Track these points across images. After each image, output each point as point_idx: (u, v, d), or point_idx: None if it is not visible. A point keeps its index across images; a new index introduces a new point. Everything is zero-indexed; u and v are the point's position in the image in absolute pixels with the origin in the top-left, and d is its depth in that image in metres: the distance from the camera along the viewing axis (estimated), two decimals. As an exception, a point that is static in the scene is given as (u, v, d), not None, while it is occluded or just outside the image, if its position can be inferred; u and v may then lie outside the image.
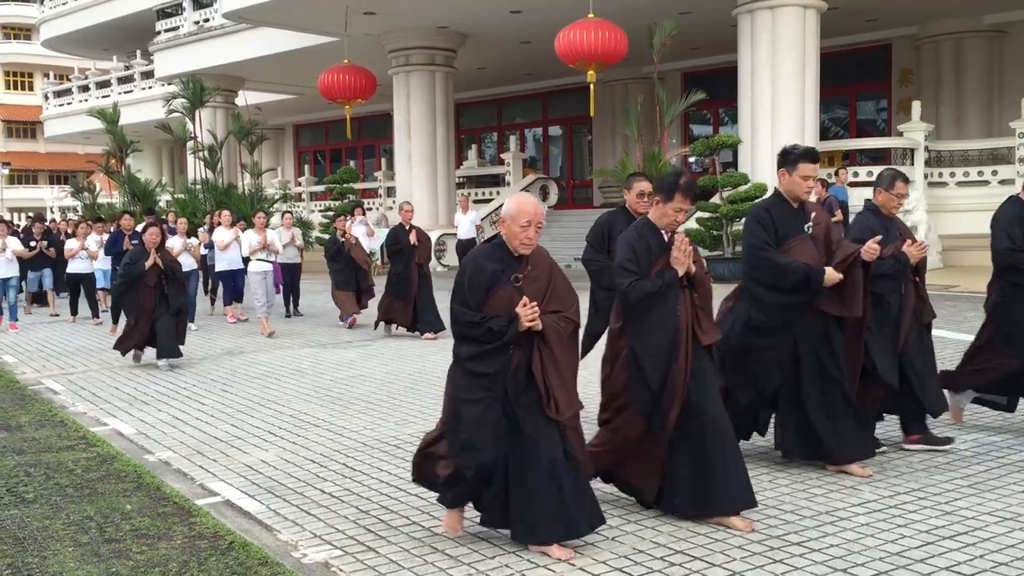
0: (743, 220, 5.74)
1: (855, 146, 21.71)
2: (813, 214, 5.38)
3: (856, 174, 19.94)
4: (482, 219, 23.71)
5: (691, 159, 25.66)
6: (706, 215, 18.17)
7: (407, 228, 12.03)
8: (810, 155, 5.31)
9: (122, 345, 10.25)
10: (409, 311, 11.81)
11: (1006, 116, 20.23)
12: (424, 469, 4.57)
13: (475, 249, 4.37)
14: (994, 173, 19.07)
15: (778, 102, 17.80)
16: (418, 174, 23.90)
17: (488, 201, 26.75)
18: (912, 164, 19.42)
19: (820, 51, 18.17)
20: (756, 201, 17.12)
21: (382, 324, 12.25)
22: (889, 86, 23.92)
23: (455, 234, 20.55)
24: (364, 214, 18.58)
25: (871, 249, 5.28)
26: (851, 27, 22.03)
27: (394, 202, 26.05)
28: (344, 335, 12.45)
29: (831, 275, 5.18)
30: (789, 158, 5.33)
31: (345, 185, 25.36)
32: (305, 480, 5.67)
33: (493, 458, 4.22)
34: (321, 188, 30.38)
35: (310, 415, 7.54)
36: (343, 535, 4.67)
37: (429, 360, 10.15)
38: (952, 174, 19.64)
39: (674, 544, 4.38)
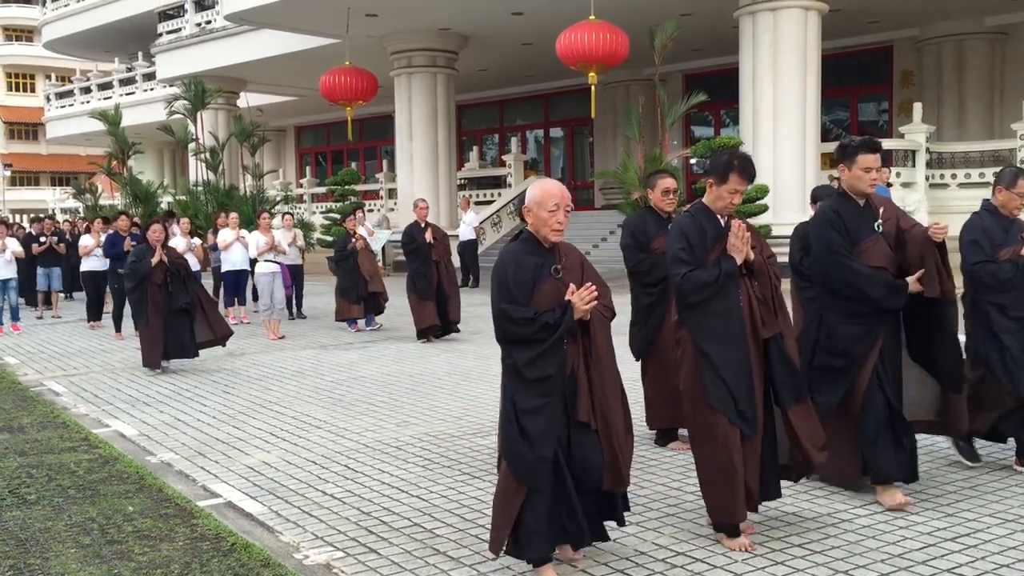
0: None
1: (856, 148, 21.71)
2: (881, 210, 4.94)
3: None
4: (481, 222, 23.74)
5: (692, 161, 25.65)
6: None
7: (422, 225, 11.96)
8: (869, 145, 4.87)
9: (150, 359, 9.88)
10: (435, 310, 11.66)
11: (1007, 118, 20.24)
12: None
13: (507, 248, 4.07)
14: (995, 175, 19.04)
15: (780, 104, 17.79)
16: (419, 176, 23.89)
17: (489, 203, 26.76)
18: (913, 166, 19.42)
19: (821, 53, 18.16)
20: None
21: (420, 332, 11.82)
22: (890, 88, 23.92)
23: (457, 235, 20.55)
24: (364, 215, 18.50)
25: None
26: (852, 29, 22.02)
27: (395, 204, 26.07)
28: (345, 337, 12.45)
29: (914, 286, 4.84)
30: (847, 151, 4.90)
31: (346, 187, 25.32)
32: (307, 481, 5.68)
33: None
34: (322, 190, 30.41)
35: (311, 416, 7.54)
36: (345, 536, 4.68)
37: (430, 362, 10.15)
38: (953, 176, 19.64)
39: (675, 546, 4.39)
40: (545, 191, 4.01)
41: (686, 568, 4.11)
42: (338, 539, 4.64)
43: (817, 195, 7.09)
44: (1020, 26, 21.51)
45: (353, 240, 13.04)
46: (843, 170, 4.92)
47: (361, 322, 13.12)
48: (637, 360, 6.33)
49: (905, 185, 19.16)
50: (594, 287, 3.89)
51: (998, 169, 18.99)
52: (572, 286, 3.91)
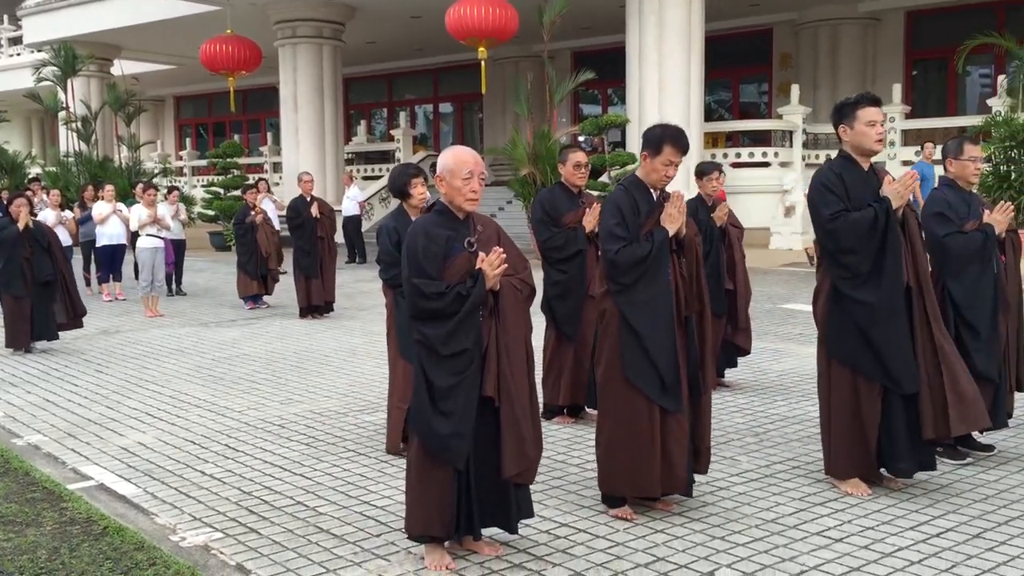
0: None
1: (738, 128, 22.34)
2: (887, 178, 4.56)
3: (739, 155, 20.54)
4: (369, 197, 23.43)
5: (580, 138, 25.91)
6: (595, 194, 18.36)
7: (307, 200, 11.70)
8: (869, 98, 4.53)
9: (14, 341, 9.33)
10: (321, 287, 11.41)
11: (878, 101, 21.09)
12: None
13: (419, 220, 3.90)
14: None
15: (665, 83, 18.12)
16: (305, 149, 23.40)
17: (377, 178, 26.43)
18: (791, 146, 20.08)
19: (705, 34, 18.55)
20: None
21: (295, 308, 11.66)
22: (770, 70, 24.65)
23: (341, 211, 20.20)
24: (269, 189, 17.91)
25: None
26: (735, 11, 22.57)
27: (281, 178, 25.48)
28: (228, 314, 12.12)
29: (887, 187, 4.47)
30: (844, 109, 4.54)
31: (229, 160, 24.61)
32: (184, 462, 5.50)
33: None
34: (204, 163, 29.46)
35: (190, 395, 7.32)
36: (224, 517, 4.55)
37: (316, 339, 9.98)
38: (828, 156, 20.28)
39: (559, 517, 4.43)
40: (458, 158, 3.85)
41: (569, 539, 4.16)
42: (217, 520, 4.52)
43: (702, 170, 7.20)
44: (891, 12, 22.45)
45: (252, 213, 12.56)
46: (844, 131, 4.57)
47: (267, 298, 12.69)
48: (571, 338, 6.20)
49: (783, 165, 19.80)
50: (503, 251, 3.75)
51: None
52: (482, 255, 3.77)
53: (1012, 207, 5.33)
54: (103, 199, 13.84)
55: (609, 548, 4.03)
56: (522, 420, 3.79)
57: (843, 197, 4.48)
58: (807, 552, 3.96)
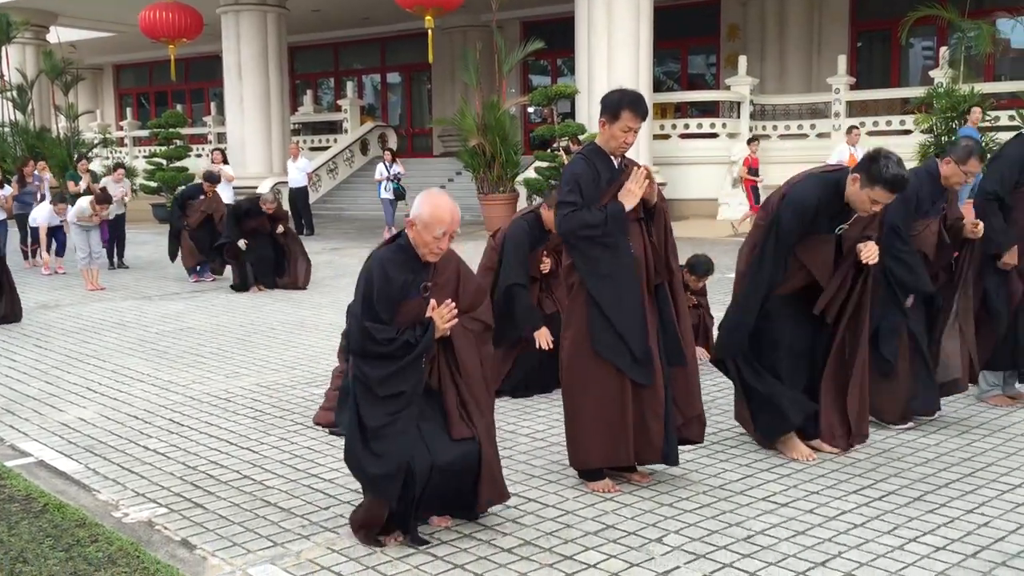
0: None
1: (686, 99, 22.40)
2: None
3: (687, 126, 20.62)
4: (316, 168, 23.13)
5: (530, 109, 25.80)
6: (544, 164, 18.35)
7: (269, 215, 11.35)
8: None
9: None
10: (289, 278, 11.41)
11: (824, 72, 21.27)
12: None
13: (380, 255, 3.76)
14: (812, 127, 20.08)
15: (614, 54, 18.08)
16: (250, 119, 22.96)
17: (325, 149, 26.08)
18: (738, 117, 20.20)
19: (654, 5, 18.52)
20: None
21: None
22: (718, 41, 24.70)
23: (287, 182, 19.89)
24: (225, 160, 17.56)
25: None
26: (683, -18, 22.56)
27: (226, 149, 25.01)
28: (171, 287, 11.89)
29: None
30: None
31: (171, 130, 24.08)
32: (127, 437, 5.39)
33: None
34: (145, 133, 28.78)
35: (133, 369, 7.17)
36: (168, 492, 4.47)
37: (262, 311, 9.85)
38: (775, 127, 20.55)
39: (510, 488, 4.43)
40: (435, 215, 3.66)
41: (519, 508, 4.16)
42: (161, 495, 4.44)
43: (696, 264, 6.99)
44: (837, -16, 22.60)
45: (203, 197, 12.29)
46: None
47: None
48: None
49: (731, 136, 19.92)
50: (453, 304, 3.68)
51: (816, 121, 20.18)
52: (433, 302, 3.69)
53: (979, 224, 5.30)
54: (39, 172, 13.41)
55: (559, 517, 4.04)
56: (494, 460, 3.86)
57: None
58: (753, 517, 4.01)
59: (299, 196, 18.95)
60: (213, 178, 12.46)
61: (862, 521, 3.94)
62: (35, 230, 13.27)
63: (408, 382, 3.66)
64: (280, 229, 11.21)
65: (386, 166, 17.81)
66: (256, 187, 22.24)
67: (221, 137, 26.98)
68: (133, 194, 24.53)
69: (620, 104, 4.19)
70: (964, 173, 5.22)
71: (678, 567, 3.54)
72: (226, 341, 8.25)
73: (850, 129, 15.25)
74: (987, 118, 16.00)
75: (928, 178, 5.29)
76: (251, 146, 23.01)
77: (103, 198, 11.57)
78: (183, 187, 12.55)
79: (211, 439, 5.33)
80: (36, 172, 15.89)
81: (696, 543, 3.75)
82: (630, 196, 4.15)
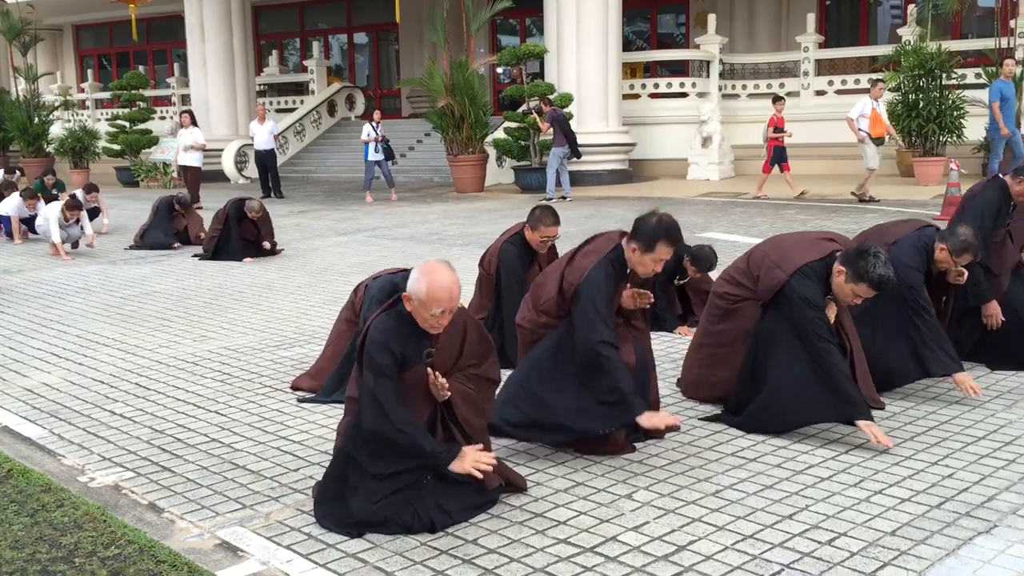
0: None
1: (655, 58, 22.31)
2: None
3: (656, 85, 20.54)
4: (284, 130, 22.84)
5: (499, 69, 25.58)
6: (513, 125, 18.23)
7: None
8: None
9: None
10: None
11: (793, 31, 21.25)
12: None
13: (378, 326, 3.53)
14: (781, 86, 20.06)
15: (583, 13, 17.93)
16: (214, 81, 22.62)
17: (291, 110, 25.74)
18: (708, 76, 20.15)
19: (623, -38, 18.37)
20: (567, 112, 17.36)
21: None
22: (687, 0, 24.56)
23: (252, 144, 19.62)
24: (194, 121, 17.40)
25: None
26: (652, -61, 22.34)
27: (191, 109, 24.61)
28: (136, 251, 11.73)
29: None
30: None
31: (134, 92, 23.67)
32: (93, 402, 5.33)
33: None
34: (107, 95, 28.23)
35: (98, 334, 7.08)
36: (135, 456, 4.43)
37: (230, 275, 9.74)
38: (744, 86, 20.54)
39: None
40: (433, 293, 3.40)
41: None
42: (128, 459, 4.39)
43: (700, 256, 6.55)
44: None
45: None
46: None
47: None
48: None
49: (700, 95, 19.89)
50: (447, 386, 3.51)
51: (785, 80, 20.16)
52: (432, 374, 3.50)
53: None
54: None
55: (529, 475, 4.04)
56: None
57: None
58: (722, 472, 4.04)
59: (267, 159, 18.72)
60: (184, 202, 12.17)
61: (829, 475, 3.98)
62: (5, 218, 12.95)
63: (401, 465, 3.50)
64: (267, 245, 10.82)
65: (373, 127, 17.58)
66: (222, 149, 21.98)
67: (185, 99, 26.55)
68: (94, 157, 24.22)
69: (656, 237, 4.01)
70: None
71: (647, 522, 3.56)
72: (193, 305, 8.16)
73: (875, 83, 14.68)
74: (954, 76, 16.07)
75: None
76: (215, 108, 22.67)
77: (73, 204, 11.30)
78: (159, 201, 12.18)
79: (178, 403, 5.28)
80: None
81: (666, 498, 3.77)
82: (627, 304, 4.20)
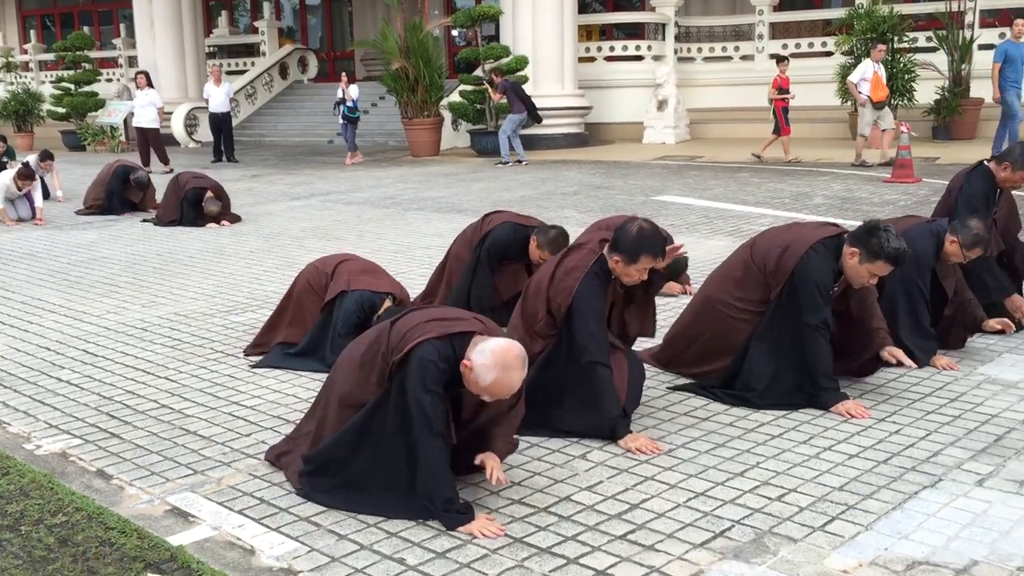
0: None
1: (611, 20, 22.21)
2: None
3: (612, 48, 20.46)
4: (236, 92, 22.40)
5: (454, 32, 25.30)
6: (469, 88, 18.07)
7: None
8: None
9: None
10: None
11: (748, -6, 21.25)
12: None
13: (437, 351, 3.23)
14: (736, 49, 20.11)
15: (538, -26, 17.76)
16: (162, 42, 22.10)
17: (242, 72, 25.26)
18: (663, 39, 20.11)
19: (578, -78, 18.19)
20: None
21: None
22: (643, -39, 24.43)
23: (206, 107, 19.24)
24: (150, 83, 17.02)
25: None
26: (608, -101, 22.13)
27: (138, 71, 24.07)
28: (83, 216, 11.47)
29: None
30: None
31: (79, 53, 23.06)
32: (39, 369, 5.22)
33: None
34: (51, 56, 27.48)
35: (44, 301, 6.92)
36: (83, 423, 4.35)
37: (180, 240, 9.57)
38: (699, 49, 20.53)
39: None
40: (495, 388, 3.18)
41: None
42: (75, 426, 4.31)
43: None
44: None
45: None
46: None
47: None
48: None
49: (656, 58, 19.85)
50: (500, 528, 3.20)
51: (740, 43, 20.19)
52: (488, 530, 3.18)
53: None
54: None
55: (483, 436, 4.04)
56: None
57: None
58: (675, 431, 4.07)
59: (223, 122, 18.32)
60: (142, 184, 11.79)
61: (779, 432, 4.03)
62: None
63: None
64: (225, 223, 10.46)
65: (342, 90, 17.42)
66: (171, 112, 21.51)
67: (132, 61, 25.94)
68: (39, 120, 23.62)
69: (639, 249, 3.89)
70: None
71: (601, 481, 3.58)
72: (142, 271, 8.02)
73: (875, 44, 14.37)
74: (905, 39, 16.21)
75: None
76: (164, 70, 22.19)
77: (25, 173, 10.94)
78: (119, 169, 11.75)
79: (127, 369, 5.19)
80: None
81: (619, 458, 3.79)
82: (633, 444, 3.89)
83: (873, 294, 4.50)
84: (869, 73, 13.84)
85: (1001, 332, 5.08)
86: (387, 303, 4.95)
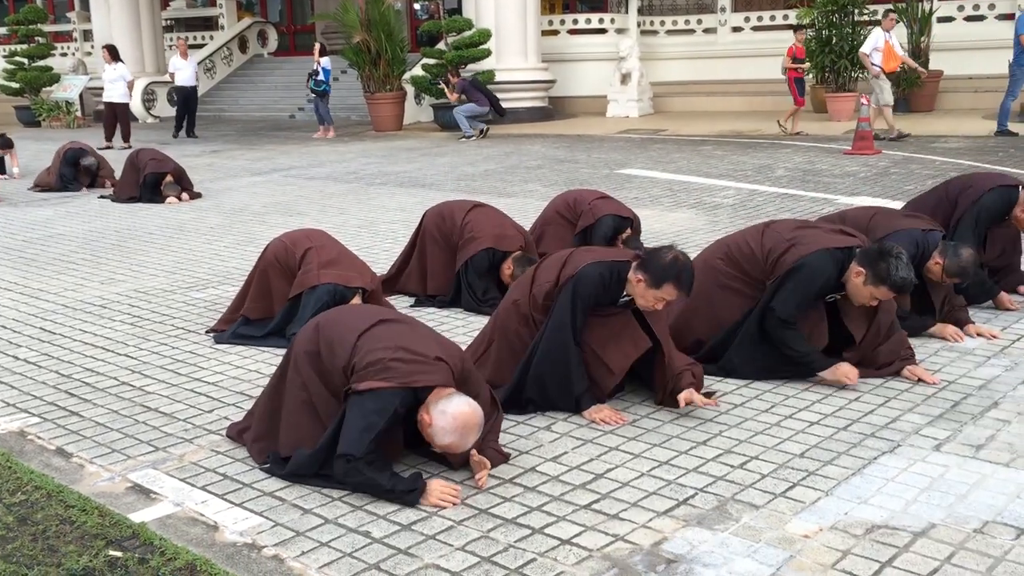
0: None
1: (574, -7, 22.10)
2: None
3: (575, 21, 20.38)
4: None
5: (416, 4, 25.07)
6: (432, 61, 17.93)
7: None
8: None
9: None
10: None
11: (710, -33, 21.24)
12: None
13: (390, 400, 3.19)
14: (699, 22, 20.13)
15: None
16: (117, 16, 21.66)
17: (201, 46, 24.84)
18: (626, 12, 20.07)
19: None
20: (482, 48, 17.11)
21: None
22: (606, -66, 24.32)
23: (167, 81, 18.90)
24: (118, 57, 16.69)
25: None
26: None
27: (92, 47, 23.60)
28: (39, 192, 11.26)
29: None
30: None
31: (31, 27, 22.56)
32: (-5, 348, 5.13)
33: None
34: (3, 30, 26.86)
35: None
36: (41, 402, 4.28)
37: (139, 216, 9.43)
38: (662, 23, 20.52)
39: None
40: (448, 443, 3.19)
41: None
42: (33, 405, 4.25)
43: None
44: None
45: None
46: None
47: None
48: None
49: (619, 31, 19.81)
50: (455, 489, 3.23)
51: (702, 16, 20.20)
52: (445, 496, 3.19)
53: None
54: None
55: (448, 409, 4.03)
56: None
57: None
58: (639, 402, 4.09)
59: (191, 96, 17.99)
60: (91, 172, 11.53)
61: (741, 401, 4.07)
62: None
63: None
64: (185, 197, 10.29)
65: (316, 62, 17.28)
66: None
67: (87, 35, 25.42)
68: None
69: (666, 277, 3.76)
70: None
71: (566, 452, 3.60)
72: (100, 247, 7.90)
73: (886, 13, 13.87)
74: (866, 12, 16.30)
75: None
76: (120, 44, 21.60)
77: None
78: (68, 153, 11.46)
79: (86, 347, 5.12)
80: None
81: (583, 429, 3.81)
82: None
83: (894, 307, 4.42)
84: (881, 43, 13.43)
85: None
86: (357, 299, 4.89)
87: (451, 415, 3.17)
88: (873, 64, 13.41)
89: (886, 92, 13.41)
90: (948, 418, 3.82)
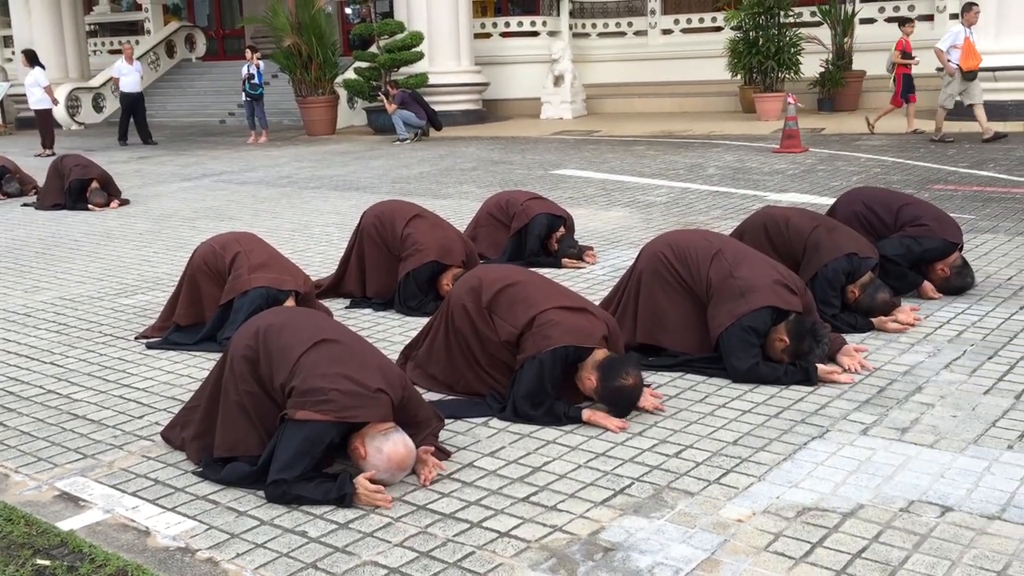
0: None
1: (505, -4, 22.16)
2: None
3: (508, 24, 20.45)
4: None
5: (348, 9, 24.89)
6: (364, 65, 17.82)
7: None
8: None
9: None
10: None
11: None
12: None
13: (320, 433, 3.17)
14: (630, 24, 20.35)
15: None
16: (39, 20, 21.12)
17: (126, 52, 24.33)
18: (558, 15, 20.19)
19: None
20: (415, 50, 17.05)
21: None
22: (537, -63, 24.43)
23: (90, 87, 18.48)
24: (37, 61, 16.16)
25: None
26: None
27: (13, 53, 22.95)
28: (-41, 202, 10.93)
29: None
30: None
31: (-52, 32, 21.86)
32: (-88, 359, 4.96)
33: None
34: (-82, 36, 26.00)
35: (-83, 289, 6.57)
36: (-37, 413, 4.16)
37: (64, 223, 9.20)
38: (594, 25, 20.70)
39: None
40: (384, 471, 3.20)
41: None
42: (-46, 416, 4.12)
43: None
44: None
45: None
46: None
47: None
48: None
49: (551, 34, 19.92)
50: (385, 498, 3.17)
51: (632, 19, 20.43)
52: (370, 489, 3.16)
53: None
54: None
55: (385, 408, 4.01)
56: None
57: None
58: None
59: (137, 102, 17.52)
60: (12, 194, 11.17)
61: (676, 392, 4.12)
62: None
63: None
64: (114, 204, 10.06)
65: (248, 65, 16.97)
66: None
67: (8, 40, 24.71)
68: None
69: (607, 398, 3.81)
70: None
71: (503, 447, 3.61)
72: (23, 255, 7.68)
73: (969, 7, 12.16)
74: (791, 14, 16.66)
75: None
76: (42, 49, 21.14)
77: None
78: None
79: (9, 355, 4.97)
80: None
81: (520, 424, 3.82)
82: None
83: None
84: (960, 39, 11.99)
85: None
86: (290, 302, 4.83)
87: (386, 455, 3.19)
88: (950, 61, 12.05)
89: (947, 94, 12.22)
90: (874, 403, 3.92)
